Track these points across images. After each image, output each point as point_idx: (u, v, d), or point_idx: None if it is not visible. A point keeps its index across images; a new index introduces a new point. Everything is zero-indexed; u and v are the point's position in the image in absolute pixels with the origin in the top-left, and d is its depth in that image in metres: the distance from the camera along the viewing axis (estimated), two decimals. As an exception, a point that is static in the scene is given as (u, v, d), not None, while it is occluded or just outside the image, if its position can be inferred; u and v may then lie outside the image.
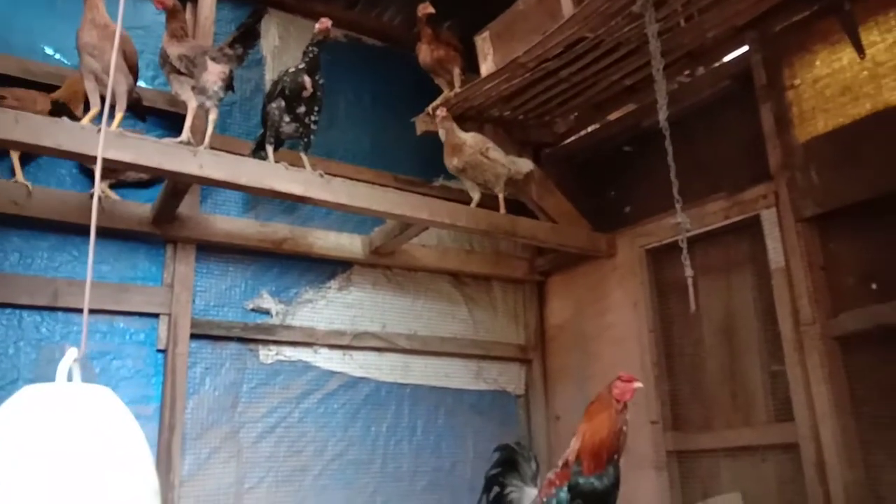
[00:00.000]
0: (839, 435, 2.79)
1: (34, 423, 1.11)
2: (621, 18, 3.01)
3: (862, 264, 2.91)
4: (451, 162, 3.49)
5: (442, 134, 3.47)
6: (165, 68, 2.89)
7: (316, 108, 3.08)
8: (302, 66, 3.03)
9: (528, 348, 4.22)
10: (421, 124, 3.74)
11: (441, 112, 3.47)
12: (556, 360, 4.15)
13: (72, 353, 1.26)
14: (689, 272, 2.29)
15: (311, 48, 3.05)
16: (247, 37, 2.83)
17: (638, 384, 2.33)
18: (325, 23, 3.03)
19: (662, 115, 2.40)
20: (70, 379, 1.25)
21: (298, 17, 3.99)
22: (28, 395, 1.17)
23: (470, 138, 3.49)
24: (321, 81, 3.08)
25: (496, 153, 3.53)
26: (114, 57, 1.68)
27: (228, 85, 2.84)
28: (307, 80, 3.00)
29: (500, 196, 3.57)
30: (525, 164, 3.71)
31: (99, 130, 2.52)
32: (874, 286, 2.87)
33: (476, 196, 3.54)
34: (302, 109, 3.04)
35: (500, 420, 4.03)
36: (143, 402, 3.11)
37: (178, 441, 3.08)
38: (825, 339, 2.90)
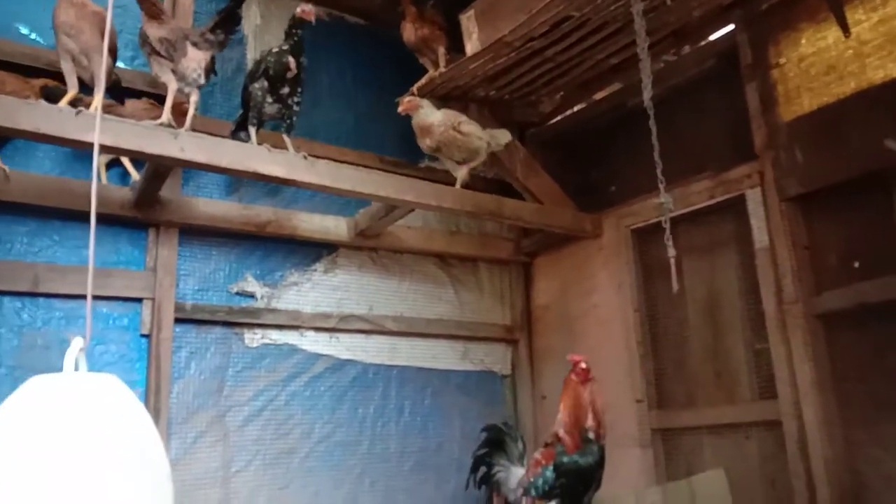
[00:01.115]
0: (821, 412, 2.83)
1: (47, 414, 1.13)
2: (607, -4, 2.99)
3: (845, 243, 2.93)
4: (424, 143, 3.41)
5: (412, 121, 3.39)
6: (145, 49, 2.83)
7: (299, 90, 3.04)
8: (286, 46, 2.98)
9: (515, 329, 4.23)
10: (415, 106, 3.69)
11: (403, 104, 3.38)
12: (542, 340, 4.17)
13: (77, 343, 1.26)
14: (671, 252, 2.30)
15: (294, 30, 3.00)
16: (228, 21, 2.77)
17: (583, 364, 2.72)
18: (308, 13, 2.96)
19: (647, 95, 2.39)
20: (76, 368, 1.24)
21: (280, -5, 3.93)
22: (37, 386, 1.17)
23: (439, 116, 3.38)
24: (304, 62, 3.04)
25: (470, 126, 3.42)
26: (106, 39, 1.63)
27: (209, 71, 2.78)
28: (291, 60, 2.95)
29: (463, 171, 3.44)
30: (503, 135, 3.63)
31: (78, 113, 2.49)
32: (856, 265, 2.89)
33: (460, 174, 3.45)
34: (285, 90, 2.99)
35: (486, 400, 4.05)
36: (128, 387, 3.08)
37: (163, 425, 3.07)
38: (808, 318, 2.92)
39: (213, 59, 2.78)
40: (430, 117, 3.39)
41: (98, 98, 2.65)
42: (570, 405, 2.64)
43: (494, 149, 3.58)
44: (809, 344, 2.90)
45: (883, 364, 2.75)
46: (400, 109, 3.38)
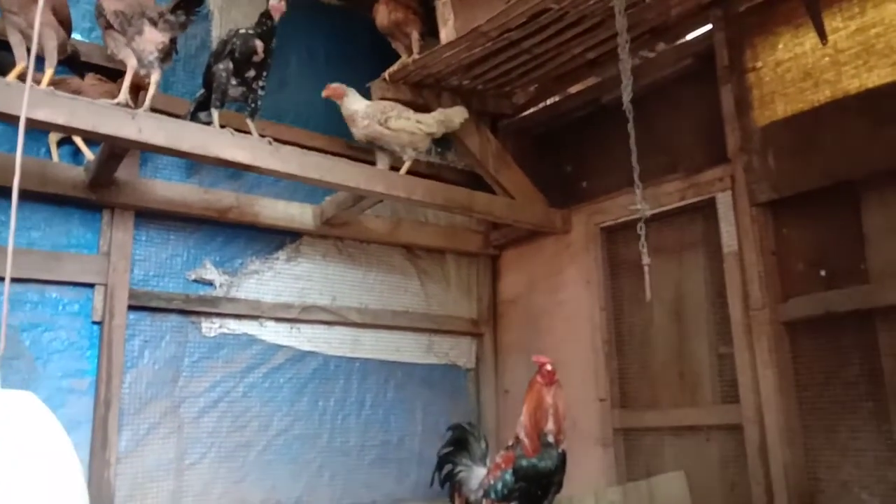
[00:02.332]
0: (782, 418, 2.85)
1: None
2: (587, -10, 2.92)
3: (812, 251, 2.94)
4: (356, 134, 3.30)
5: (381, 91, 3.30)
6: (100, 21, 2.67)
7: (265, 74, 2.91)
8: (254, 30, 2.84)
9: (480, 322, 4.18)
10: (377, 90, 3.58)
11: (328, 89, 3.27)
12: (508, 334, 4.13)
13: None
14: (646, 260, 2.26)
15: (266, 20, 2.86)
16: (190, 3, 2.61)
17: (548, 367, 2.68)
18: (277, 8, 2.84)
19: (626, 96, 2.34)
20: None
21: (249, -30, 3.76)
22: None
23: (364, 108, 3.26)
24: (273, 46, 2.90)
25: (399, 121, 3.27)
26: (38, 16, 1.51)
27: (168, 54, 2.63)
28: (259, 44, 2.82)
29: (406, 163, 3.32)
30: (458, 114, 3.51)
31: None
32: (823, 273, 2.90)
33: (403, 167, 3.31)
34: (251, 74, 2.86)
35: (449, 394, 4.01)
36: (77, 376, 2.96)
37: (114, 416, 2.95)
38: (774, 324, 2.93)
39: (172, 41, 2.62)
40: (354, 105, 3.27)
41: (49, 73, 2.50)
42: (532, 408, 2.61)
43: (448, 130, 3.48)
44: (774, 350, 2.91)
45: (845, 373, 2.77)
46: (324, 94, 3.26)
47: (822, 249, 2.91)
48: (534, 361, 2.75)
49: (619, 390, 3.51)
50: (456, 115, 3.52)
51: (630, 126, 2.33)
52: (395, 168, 3.34)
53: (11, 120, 2.39)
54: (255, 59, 2.82)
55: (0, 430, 1.04)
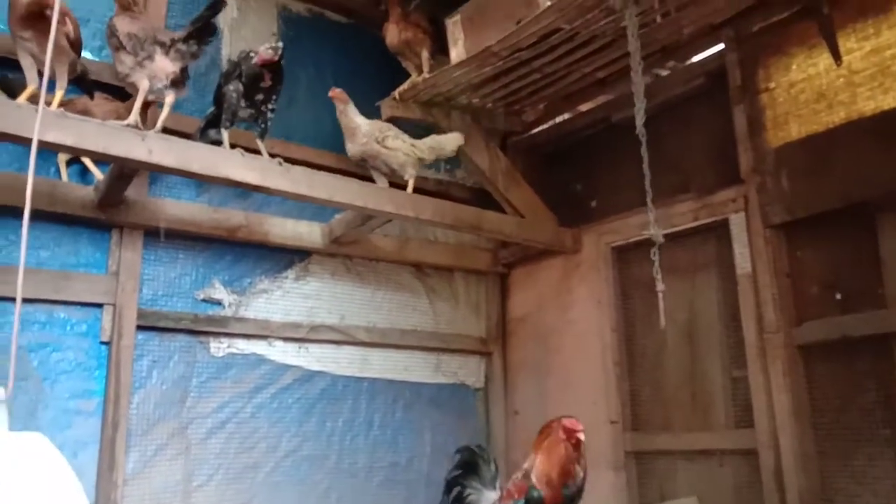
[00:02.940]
0: (797, 444, 2.80)
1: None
2: (598, 11, 2.91)
3: (827, 274, 2.90)
4: (350, 150, 3.25)
5: (338, 115, 3.24)
6: (112, 41, 2.66)
7: (274, 97, 2.90)
8: (278, 57, 2.82)
9: (489, 341, 4.15)
10: (387, 109, 3.58)
11: (333, 91, 3.23)
12: (517, 353, 4.10)
13: None
14: (660, 287, 2.23)
15: (282, 45, 2.85)
16: (203, 32, 2.58)
17: (581, 436, 2.38)
18: (264, 57, 2.79)
19: (640, 120, 2.32)
20: None
21: (259, -12, 3.77)
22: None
23: (365, 125, 3.24)
24: (283, 67, 2.89)
25: (396, 142, 3.24)
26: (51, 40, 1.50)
27: (179, 83, 2.61)
28: (267, 75, 2.81)
29: (410, 182, 3.28)
30: (452, 142, 3.47)
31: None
32: (838, 296, 2.86)
33: (409, 187, 3.27)
34: (260, 97, 2.85)
35: (458, 414, 3.97)
36: (84, 397, 2.94)
37: (122, 437, 2.93)
38: (788, 348, 2.89)
39: (183, 71, 2.60)
40: (358, 119, 3.24)
41: (59, 95, 2.50)
42: (561, 463, 2.45)
43: (440, 157, 3.46)
44: (788, 374, 2.87)
45: (861, 398, 2.73)
46: (330, 94, 3.22)
47: (838, 272, 2.87)
48: (567, 426, 2.46)
49: (630, 412, 3.47)
50: (449, 142, 3.48)
51: (643, 150, 2.32)
52: (394, 185, 3.31)
53: (23, 141, 2.38)
54: (263, 84, 2.81)
55: (9, 475, 1.01)
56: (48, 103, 2.49)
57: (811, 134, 2.95)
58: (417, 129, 3.53)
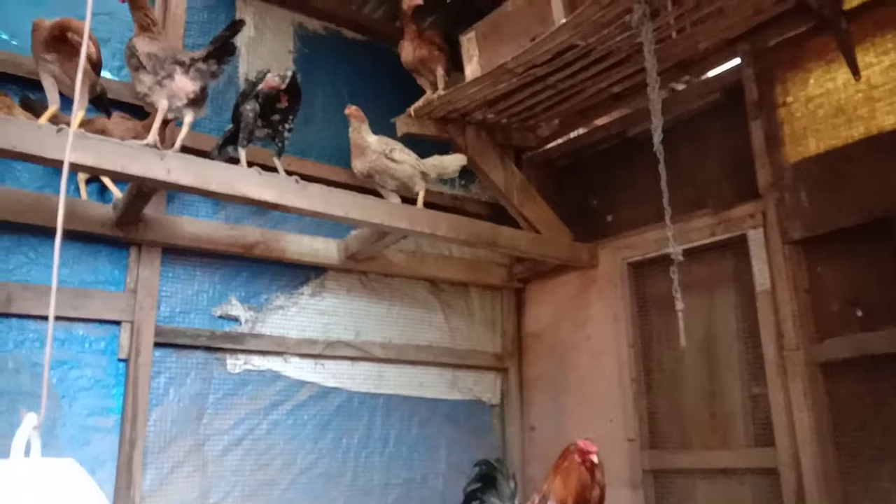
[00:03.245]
0: (819, 463, 2.76)
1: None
2: (614, 28, 2.90)
3: (847, 290, 2.87)
4: (357, 166, 3.25)
5: (351, 132, 3.25)
6: (132, 62, 2.69)
7: (291, 117, 2.92)
8: (285, 86, 2.85)
9: (505, 357, 4.13)
10: (402, 126, 3.59)
11: (350, 108, 3.25)
12: (533, 369, 4.07)
13: (30, 421, 1.10)
14: (679, 306, 2.21)
15: (291, 74, 2.89)
16: (222, 52, 2.60)
17: (594, 458, 2.37)
18: (270, 83, 2.83)
19: (657, 139, 2.30)
20: (28, 452, 1.09)
21: (275, 7, 3.81)
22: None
23: (375, 142, 3.26)
24: (300, 87, 2.92)
25: (402, 154, 3.27)
26: (82, 60, 1.51)
27: (198, 102, 2.63)
28: (283, 97, 2.84)
29: (420, 194, 3.31)
30: (454, 162, 3.50)
31: (59, 131, 2.36)
32: (859, 313, 2.82)
33: (419, 201, 3.30)
34: (276, 117, 2.88)
35: (473, 430, 3.95)
36: (102, 414, 2.95)
37: (139, 454, 2.94)
38: (809, 366, 2.85)
39: (202, 90, 2.62)
40: (370, 136, 3.26)
41: (79, 115, 2.53)
42: (576, 489, 2.43)
43: (444, 176, 3.48)
44: (809, 392, 2.83)
45: (884, 417, 2.68)
46: (347, 111, 3.24)
47: (858, 288, 2.83)
48: (580, 448, 2.45)
49: (648, 430, 3.43)
50: (452, 162, 3.50)
51: (661, 168, 2.30)
52: (406, 201, 3.32)
53: (44, 162, 2.41)
54: (279, 105, 2.84)
55: (42, 501, 1.01)
56: (66, 123, 2.53)
57: (830, 149, 2.92)
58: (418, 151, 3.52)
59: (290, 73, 2.83)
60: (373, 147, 3.23)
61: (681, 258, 2.26)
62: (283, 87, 2.81)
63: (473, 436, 3.93)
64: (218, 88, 3.51)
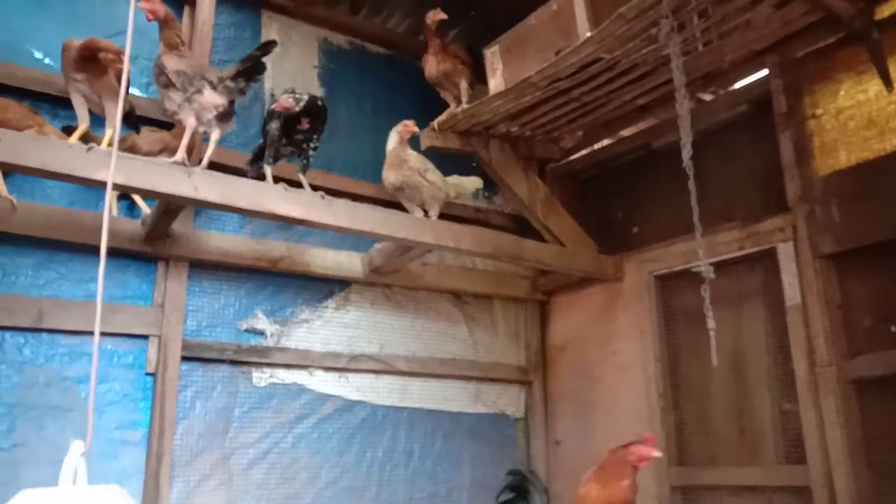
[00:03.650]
0: (853, 483, 2.70)
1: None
2: (640, 41, 2.88)
3: (880, 306, 2.81)
4: (390, 177, 3.23)
5: (392, 144, 3.24)
6: (160, 80, 2.72)
7: (315, 136, 2.94)
8: (299, 109, 2.85)
9: (529, 370, 4.11)
10: (426, 139, 3.59)
11: (406, 124, 3.24)
12: (558, 382, 4.05)
13: (77, 448, 1.12)
14: (711, 325, 2.18)
15: (315, 99, 2.91)
16: (252, 71, 2.63)
17: (658, 453, 2.17)
18: (283, 104, 2.82)
19: (686, 154, 2.28)
20: (75, 480, 1.11)
21: (300, 22, 3.85)
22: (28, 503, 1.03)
23: (414, 157, 3.27)
24: (324, 115, 2.94)
25: (434, 175, 3.30)
26: (124, 81, 1.54)
27: (226, 116, 2.66)
28: (304, 119, 2.86)
29: (433, 215, 3.28)
30: (472, 183, 3.54)
31: (90, 150, 2.40)
32: (893, 329, 2.77)
33: (433, 214, 3.28)
34: (300, 137, 2.90)
35: (498, 444, 3.93)
36: (130, 428, 2.98)
37: (166, 468, 2.96)
38: (841, 382, 2.80)
39: (230, 105, 2.65)
40: (410, 152, 3.27)
41: (108, 134, 2.57)
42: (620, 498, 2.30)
43: (461, 198, 3.48)
44: (842, 410, 2.77)
45: (920, 436, 2.62)
46: (401, 129, 3.23)
47: (892, 304, 2.77)
48: (643, 443, 2.24)
49: (675, 446, 3.39)
50: (470, 184, 3.53)
51: (691, 184, 2.27)
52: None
53: (74, 180, 2.44)
54: (300, 127, 2.86)
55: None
56: (96, 141, 2.56)
57: (861, 162, 2.87)
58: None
59: (306, 97, 2.82)
60: (410, 163, 3.23)
61: (712, 276, 2.23)
62: (297, 109, 2.79)
63: (497, 450, 3.91)
64: (244, 104, 3.53)
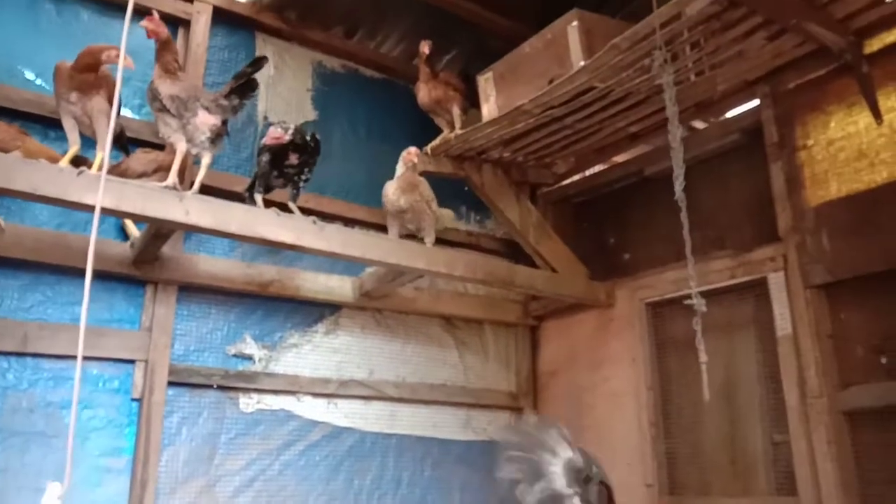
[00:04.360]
0: (846, 516, 2.68)
1: None
2: (632, 71, 2.91)
3: (872, 336, 2.81)
4: (400, 200, 3.20)
5: (401, 169, 3.23)
6: (154, 104, 2.71)
7: (306, 170, 2.95)
8: (289, 138, 2.86)
9: (520, 396, 4.08)
10: (419, 164, 3.59)
11: (411, 154, 3.23)
12: (549, 410, 4.01)
13: (54, 490, 1.09)
14: (703, 358, 2.17)
15: (304, 136, 2.92)
16: (245, 88, 2.64)
17: None
18: (273, 135, 2.85)
19: (679, 187, 2.28)
20: None
21: (294, 45, 3.85)
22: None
23: (425, 186, 3.29)
24: (314, 150, 2.95)
25: (436, 207, 3.33)
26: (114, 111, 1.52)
27: (220, 136, 2.66)
28: (292, 155, 2.87)
29: (430, 242, 3.30)
30: (447, 217, 3.60)
31: (80, 173, 2.37)
32: (884, 360, 2.77)
33: (428, 240, 3.29)
34: (290, 171, 2.91)
35: (488, 472, 3.86)
36: (114, 455, 2.92)
37: (150, 496, 2.90)
38: (833, 414, 2.79)
39: (223, 124, 2.65)
40: (421, 179, 3.29)
41: (99, 157, 2.54)
42: None
43: (437, 227, 3.47)
44: (833, 442, 2.76)
45: (913, 470, 2.61)
46: (405, 156, 3.23)
47: (883, 335, 2.77)
48: None
49: (667, 475, 3.36)
50: (446, 217, 3.58)
51: (683, 216, 2.27)
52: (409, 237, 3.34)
53: (64, 204, 2.42)
54: (288, 162, 2.86)
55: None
56: (87, 165, 2.54)
57: (852, 193, 2.88)
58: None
59: (292, 128, 2.84)
60: (421, 189, 3.24)
61: (704, 309, 2.22)
62: (287, 138, 2.80)
63: (488, 477, 3.85)
64: (237, 126, 3.53)
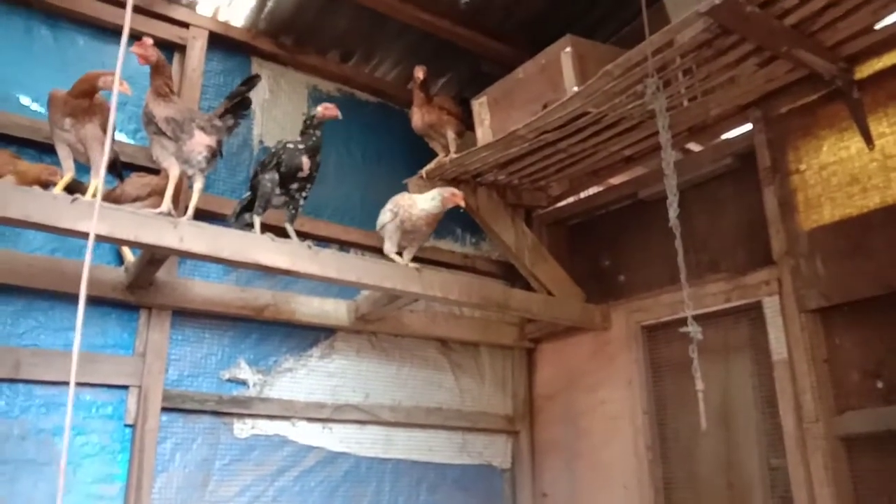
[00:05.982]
0: (843, 543, 2.66)
1: None
2: (625, 97, 2.93)
3: (867, 361, 2.81)
4: (419, 221, 3.10)
5: (440, 204, 3.10)
6: (150, 128, 2.71)
7: (308, 186, 2.94)
8: (302, 144, 2.88)
9: (516, 419, 4.06)
10: (414, 187, 3.60)
11: (456, 196, 3.08)
12: (545, 432, 3.99)
13: None
14: (699, 386, 2.16)
15: (313, 131, 2.92)
16: (239, 107, 2.67)
17: None
18: (331, 110, 2.93)
19: (673, 214, 2.28)
20: None
21: (290, 70, 3.87)
22: None
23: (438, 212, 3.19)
24: (319, 160, 2.94)
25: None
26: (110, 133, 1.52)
27: (215, 155, 2.67)
28: (305, 161, 2.86)
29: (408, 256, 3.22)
30: None
31: (74, 201, 2.37)
32: (880, 385, 2.76)
33: (407, 258, 3.19)
34: (295, 186, 2.90)
35: (484, 497, 3.86)
36: (107, 482, 2.90)
37: (142, 524, 2.87)
38: (829, 439, 2.78)
39: (219, 144, 2.67)
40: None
41: (93, 185, 2.54)
42: None
43: None
44: (830, 467, 2.75)
45: (910, 495, 2.60)
46: (448, 196, 3.06)
47: (879, 360, 2.77)
48: None
49: (663, 500, 3.34)
50: None
51: (678, 242, 2.27)
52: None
53: (59, 231, 2.41)
54: (301, 174, 2.86)
55: None
56: (81, 192, 2.54)
57: (845, 218, 2.89)
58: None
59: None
60: (429, 209, 3.12)
61: (700, 336, 2.22)
62: (339, 114, 2.94)
63: (483, 502, 3.83)
64: (231, 150, 3.55)
